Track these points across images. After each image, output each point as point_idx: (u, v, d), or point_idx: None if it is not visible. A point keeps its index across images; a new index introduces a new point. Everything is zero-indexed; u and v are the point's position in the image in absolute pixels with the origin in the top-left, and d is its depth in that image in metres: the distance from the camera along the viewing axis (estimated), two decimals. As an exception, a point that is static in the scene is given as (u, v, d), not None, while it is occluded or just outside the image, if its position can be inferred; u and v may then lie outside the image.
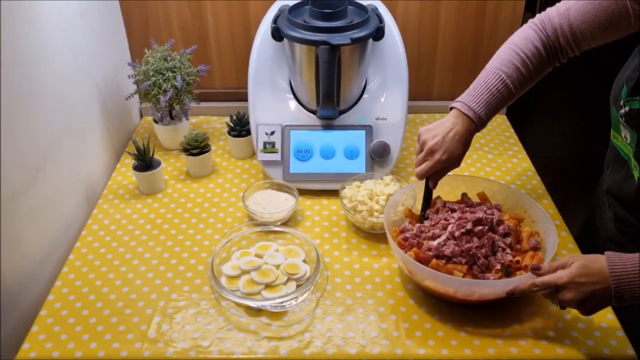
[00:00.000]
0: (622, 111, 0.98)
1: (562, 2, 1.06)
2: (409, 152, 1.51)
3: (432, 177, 1.12)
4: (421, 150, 1.10)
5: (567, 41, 1.05)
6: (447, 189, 1.23)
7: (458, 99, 1.11)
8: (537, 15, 1.11)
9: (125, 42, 1.59)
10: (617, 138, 1.05)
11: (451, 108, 1.12)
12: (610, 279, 0.86)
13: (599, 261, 0.88)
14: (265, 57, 1.38)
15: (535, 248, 1.08)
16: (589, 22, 1.01)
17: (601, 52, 1.08)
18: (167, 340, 1.00)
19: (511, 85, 1.08)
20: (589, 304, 0.90)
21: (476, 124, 1.08)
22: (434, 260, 1.03)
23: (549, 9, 1.09)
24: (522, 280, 0.96)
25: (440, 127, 1.09)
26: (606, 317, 1.04)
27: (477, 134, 1.57)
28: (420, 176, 1.11)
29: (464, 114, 1.08)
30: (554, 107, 1.83)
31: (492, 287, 1.00)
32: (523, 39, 1.09)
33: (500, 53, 1.11)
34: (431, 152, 1.08)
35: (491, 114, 1.10)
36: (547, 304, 1.06)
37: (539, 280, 0.93)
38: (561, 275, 0.90)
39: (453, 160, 1.09)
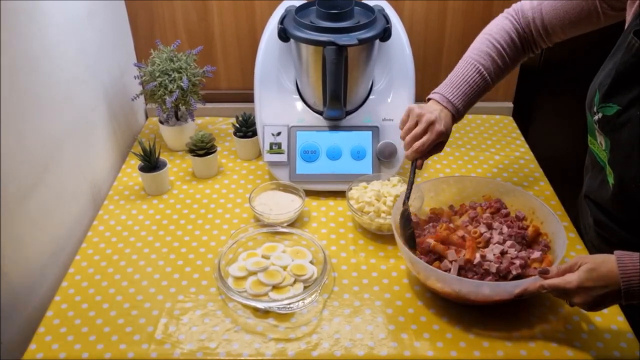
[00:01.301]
0: (596, 117, 0.98)
1: None
2: (416, 153, 1.51)
3: (423, 157, 1.10)
4: (415, 124, 1.08)
5: (539, 34, 1.09)
6: (454, 190, 1.23)
7: (435, 90, 1.12)
8: (513, 6, 1.13)
9: (131, 43, 1.59)
10: (593, 144, 1.05)
11: (428, 100, 1.13)
12: (620, 280, 0.85)
13: (608, 263, 0.87)
14: (271, 58, 1.38)
15: (546, 247, 1.08)
16: (559, 18, 1.05)
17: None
18: (174, 341, 1.00)
19: (488, 77, 1.10)
20: (599, 308, 0.90)
21: (454, 115, 1.10)
22: (433, 242, 1.04)
23: (523, 1, 1.12)
24: (530, 282, 0.95)
25: (430, 107, 1.10)
26: (616, 319, 1.03)
27: (484, 135, 1.59)
28: (419, 151, 1.08)
29: (442, 105, 1.09)
30: (559, 108, 1.82)
31: (499, 288, 0.99)
32: (499, 29, 1.11)
33: (476, 44, 1.13)
34: (432, 123, 1.07)
35: (468, 105, 1.11)
36: (557, 306, 1.05)
37: (547, 283, 0.92)
38: (570, 280, 0.89)
39: (445, 137, 1.09)
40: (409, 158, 1.11)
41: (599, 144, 1.02)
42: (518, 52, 1.12)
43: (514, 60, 1.12)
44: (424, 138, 1.08)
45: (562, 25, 1.06)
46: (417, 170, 1.11)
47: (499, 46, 1.10)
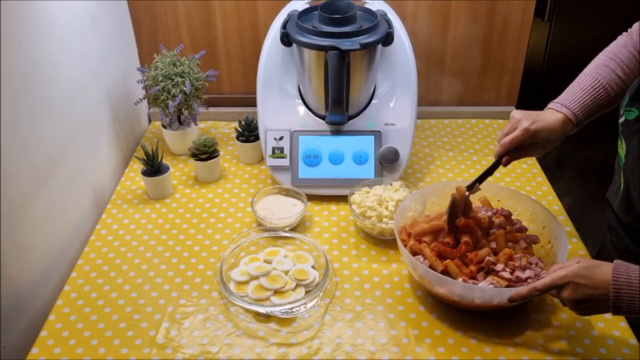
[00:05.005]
0: (621, 120, 0.98)
1: None
2: (418, 157, 1.51)
3: (509, 154, 1.08)
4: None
5: None
6: (456, 195, 1.23)
7: (553, 101, 1.10)
8: (630, 28, 1.11)
9: (135, 48, 1.60)
10: (620, 147, 1.05)
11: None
12: (611, 288, 0.85)
13: (604, 267, 0.87)
14: (274, 63, 1.38)
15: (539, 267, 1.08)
16: None
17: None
18: (175, 346, 1.00)
19: (607, 86, 1.06)
20: (585, 306, 0.89)
21: (571, 120, 1.06)
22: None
23: (636, 24, 1.08)
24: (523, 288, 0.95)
25: (534, 112, 1.08)
26: (619, 325, 1.03)
27: (487, 139, 1.58)
28: (502, 146, 1.07)
29: (555, 110, 1.07)
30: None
31: (500, 294, 0.99)
32: (617, 45, 1.09)
33: (595, 60, 1.11)
34: (518, 121, 1.05)
35: (587, 112, 1.07)
36: (559, 312, 1.05)
37: (540, 284, 0.91)
38: (562, 275, 0.89)
39: (539, 136, 1.05)
40: (494, 154, 1.09)
41: (623, 147, 1.01)
42: None
43: (637, 73, 1.07)
44: (511, 134, 1.06)
45: None
46: (494, 170, 1.11)
47: (617, 59, 1.07)
